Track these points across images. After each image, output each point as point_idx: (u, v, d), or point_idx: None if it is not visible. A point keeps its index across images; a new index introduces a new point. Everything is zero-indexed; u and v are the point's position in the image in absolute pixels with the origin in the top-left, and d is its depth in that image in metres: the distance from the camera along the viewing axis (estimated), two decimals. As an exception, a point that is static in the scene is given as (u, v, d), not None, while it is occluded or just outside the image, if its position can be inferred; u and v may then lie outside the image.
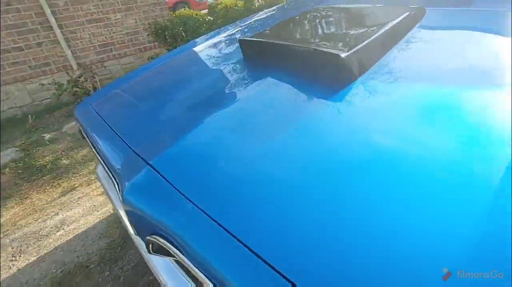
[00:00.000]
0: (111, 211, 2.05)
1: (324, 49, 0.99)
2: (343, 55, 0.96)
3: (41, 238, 1.92)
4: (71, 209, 2.14)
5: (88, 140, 1.33)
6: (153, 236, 0.77)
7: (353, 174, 0.63)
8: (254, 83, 1.11)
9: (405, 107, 0.81)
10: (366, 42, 0.99)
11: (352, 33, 1.12)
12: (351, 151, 0.70)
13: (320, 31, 1.23)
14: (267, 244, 0.55)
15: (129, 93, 1.48)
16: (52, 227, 2.00)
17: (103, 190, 2.22)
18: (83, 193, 2.31)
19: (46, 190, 2.43)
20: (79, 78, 3.83)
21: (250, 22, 1.91)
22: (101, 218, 2.00)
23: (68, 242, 1.85)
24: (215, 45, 1.74)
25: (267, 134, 0.83)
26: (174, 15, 4.29)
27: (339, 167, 0.66)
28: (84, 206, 2.15)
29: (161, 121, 1.11)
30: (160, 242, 0.75)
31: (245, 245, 0.56)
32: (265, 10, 2.00)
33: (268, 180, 0.69)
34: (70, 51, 4.26)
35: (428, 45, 1.07)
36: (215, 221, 0.63)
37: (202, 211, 0.67)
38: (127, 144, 1.02)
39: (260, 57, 1.23)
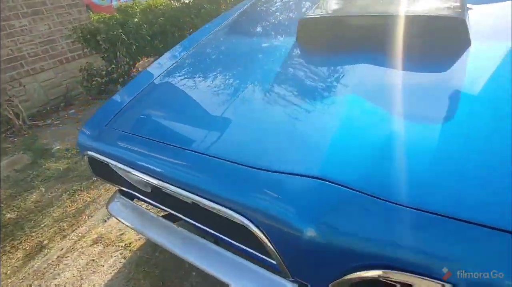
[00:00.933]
0: (125, 257, 1.58)
1: (439, 14, 0.91)
2: (463, 18, 0.89)
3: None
4: (58, 275, 1.57)
5: (113, 171, 1.08)
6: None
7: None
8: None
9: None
10: (463, 3, 0.95)
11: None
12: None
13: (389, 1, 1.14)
14: None
15: (161, 95, 1.14)
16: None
17: (94, 237, 1.72)
18: (62, 248, 1.73)
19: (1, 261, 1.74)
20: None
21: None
22: (113, 273, 1.52)
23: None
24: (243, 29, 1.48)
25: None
26: (105, 17, 3.62)
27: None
28: (76, 265, 1.61)
29: (235, 117, 0.87)
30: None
31: None
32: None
33: None
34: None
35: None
36: None
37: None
38: (231, 162, 0.74)
39: (340, 36, 1.06)
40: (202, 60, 1.34)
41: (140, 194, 1.18)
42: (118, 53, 3.49)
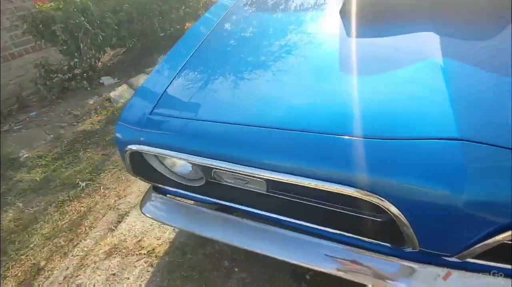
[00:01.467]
0: (152, 265, 1.40)
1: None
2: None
3: None
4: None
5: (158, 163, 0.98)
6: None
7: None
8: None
9: None
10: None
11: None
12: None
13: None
14: None
15: (213, 65, 1.02)
16: None
17: (106, 249, 1.51)
18: (67, 267, 1.48)
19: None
20: None
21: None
22: (143, 284, 1.34)
23: None
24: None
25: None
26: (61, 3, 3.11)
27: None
28: (94, 283, 1.38)
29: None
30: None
31: None
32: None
33: None
34: None
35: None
36: None
37: None
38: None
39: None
40: (251, 26, 1.21)
41: (188, 191, 1.03)
42: (81, 45, 3.09)
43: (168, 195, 1.10)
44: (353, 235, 0.79)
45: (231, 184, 0.94)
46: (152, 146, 0.87)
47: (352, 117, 0.71)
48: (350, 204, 0.82)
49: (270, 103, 0.82)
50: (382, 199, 0.63)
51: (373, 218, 0.81)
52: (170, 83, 0.96)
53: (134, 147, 0.89)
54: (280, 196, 0.90)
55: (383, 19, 1.02)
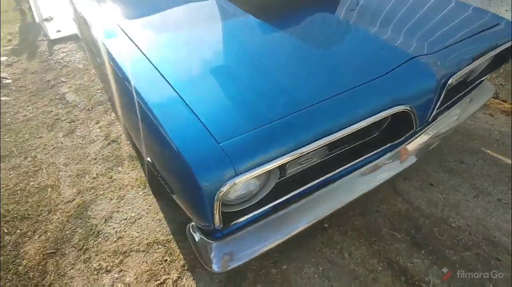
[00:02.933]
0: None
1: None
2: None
3: None
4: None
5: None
6: None
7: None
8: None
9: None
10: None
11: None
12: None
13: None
14: None
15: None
16: None
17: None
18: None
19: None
20: None
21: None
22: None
23: None
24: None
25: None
26: None
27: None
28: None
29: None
30: None
31: None
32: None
33: None
34: None
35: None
36: None
37: None
38: None
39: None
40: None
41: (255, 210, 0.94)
42: None
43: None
44: (368, 155, 1.11)
45: (292, 173, 1.00)
46: (248, 170, 0.77)
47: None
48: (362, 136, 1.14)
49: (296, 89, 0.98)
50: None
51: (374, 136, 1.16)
52: (191, 109, 0.87)
53: (237, 179, 0.76)
54: (329, 156, 1.08)
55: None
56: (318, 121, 0.87)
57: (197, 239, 0.97)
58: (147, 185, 1.82)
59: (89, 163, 2.05)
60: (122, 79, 1.05)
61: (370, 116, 0.93)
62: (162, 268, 1.42)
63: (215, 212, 0.79)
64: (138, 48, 1.13)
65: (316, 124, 0.87)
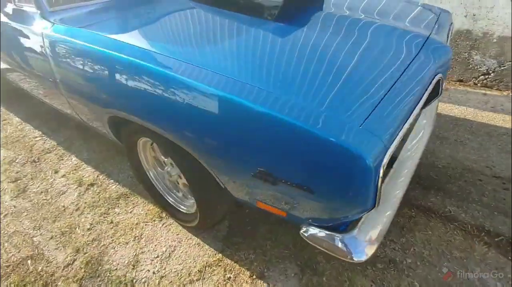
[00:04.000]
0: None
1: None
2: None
3: None
4: None
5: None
6: None
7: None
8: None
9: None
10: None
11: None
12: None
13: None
14: None
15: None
16: None
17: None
18: None
19: None
20: None
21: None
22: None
23: None
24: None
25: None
26: None
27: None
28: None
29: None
30: None
31: None
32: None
33: None
34: None
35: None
36: None
37: None
38: None
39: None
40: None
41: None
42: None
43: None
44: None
45: None
46: (391, 139, 0.83)
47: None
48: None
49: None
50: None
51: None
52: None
53: (388, 153, 0.79)
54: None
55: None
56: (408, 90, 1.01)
57: (325, 238, 0.93)
58: (164, 215, 1.62)
59: (71, 216, 1.68)
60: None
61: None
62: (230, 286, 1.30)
63: (379, 190, 0.79)
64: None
65: (409, 92, 1.00)
